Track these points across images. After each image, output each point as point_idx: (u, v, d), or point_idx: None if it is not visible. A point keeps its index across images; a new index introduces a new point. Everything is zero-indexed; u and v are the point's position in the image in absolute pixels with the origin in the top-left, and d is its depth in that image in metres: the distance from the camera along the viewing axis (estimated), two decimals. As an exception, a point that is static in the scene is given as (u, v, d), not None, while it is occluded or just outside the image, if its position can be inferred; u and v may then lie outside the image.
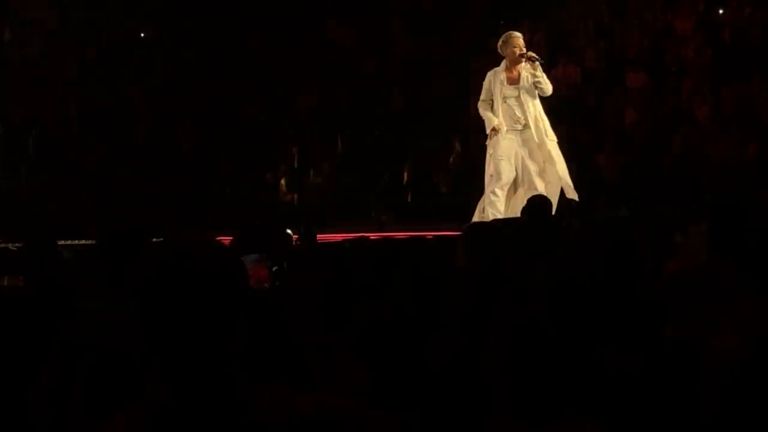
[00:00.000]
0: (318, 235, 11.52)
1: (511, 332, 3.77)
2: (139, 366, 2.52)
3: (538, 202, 8.91)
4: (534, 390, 3.45)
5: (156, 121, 20.63)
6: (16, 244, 14.62)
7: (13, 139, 21.26)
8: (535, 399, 3.46)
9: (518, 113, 12.05)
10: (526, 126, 12.07)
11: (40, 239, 7.69)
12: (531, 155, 12.07)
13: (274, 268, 7.04)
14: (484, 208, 12.24)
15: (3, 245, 14.69)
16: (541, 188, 11.90)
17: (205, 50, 21.49)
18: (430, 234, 12.18)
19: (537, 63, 12.02)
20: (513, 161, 12.07)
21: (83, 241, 13.40)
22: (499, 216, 11.89)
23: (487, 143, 12.27)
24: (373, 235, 12.54)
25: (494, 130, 12.07)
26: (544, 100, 12.30)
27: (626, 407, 4.02)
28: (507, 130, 12.04)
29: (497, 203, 12.06)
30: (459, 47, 19.99)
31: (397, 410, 3.55)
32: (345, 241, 11.06)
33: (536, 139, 11.98)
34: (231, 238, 8.32)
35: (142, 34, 22.77)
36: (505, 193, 12.11)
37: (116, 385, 3.98)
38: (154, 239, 4.90)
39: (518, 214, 11.98)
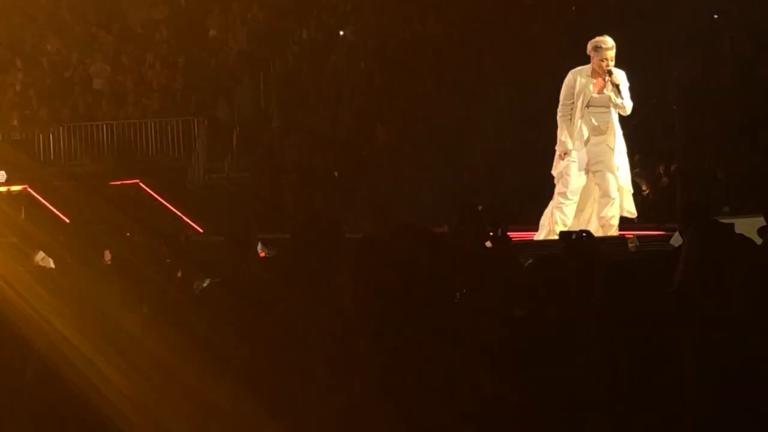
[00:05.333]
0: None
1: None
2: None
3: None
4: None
5: (355, 116, 20.88)
6: (219, 237, 15.03)
7: (218, 133, 21.85)
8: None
9: (597, 121, 11.94)
10: (602, 133, 11.98)
11: (240, 234, 7.80)
12: (607, 162, 11.96)
13: None
14: (552, 212, 12.11)
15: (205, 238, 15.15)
16: (615, 197, 11.86)
17: (405, 47, 21.64)
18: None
19: (618, 89, 11.84)
20: (585, 169, 11.98)
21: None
22: (568, 221, 11.78)
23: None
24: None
25: (565, 154, 11.99)
26: None
27: None
28: (587, 138, 11.95)
29: (566, 208, 11.95)
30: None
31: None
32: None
33: (612, 146, 11.92)
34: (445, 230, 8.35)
35: (341, 32, 23.04)
36: (577, 198, 11.96)
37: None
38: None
39: (592, 221, 11.91)
